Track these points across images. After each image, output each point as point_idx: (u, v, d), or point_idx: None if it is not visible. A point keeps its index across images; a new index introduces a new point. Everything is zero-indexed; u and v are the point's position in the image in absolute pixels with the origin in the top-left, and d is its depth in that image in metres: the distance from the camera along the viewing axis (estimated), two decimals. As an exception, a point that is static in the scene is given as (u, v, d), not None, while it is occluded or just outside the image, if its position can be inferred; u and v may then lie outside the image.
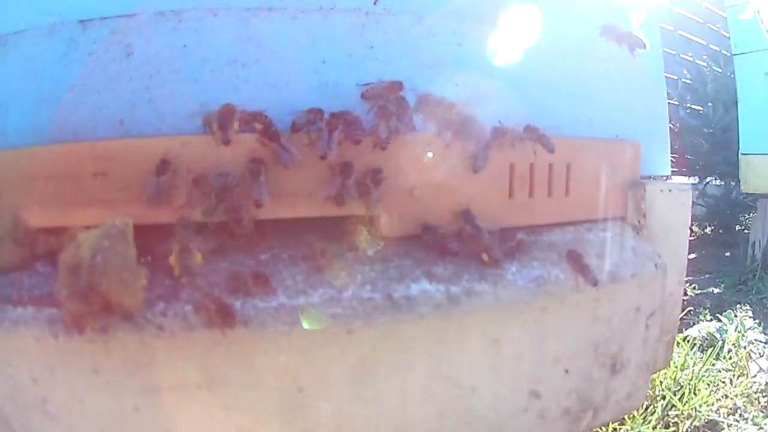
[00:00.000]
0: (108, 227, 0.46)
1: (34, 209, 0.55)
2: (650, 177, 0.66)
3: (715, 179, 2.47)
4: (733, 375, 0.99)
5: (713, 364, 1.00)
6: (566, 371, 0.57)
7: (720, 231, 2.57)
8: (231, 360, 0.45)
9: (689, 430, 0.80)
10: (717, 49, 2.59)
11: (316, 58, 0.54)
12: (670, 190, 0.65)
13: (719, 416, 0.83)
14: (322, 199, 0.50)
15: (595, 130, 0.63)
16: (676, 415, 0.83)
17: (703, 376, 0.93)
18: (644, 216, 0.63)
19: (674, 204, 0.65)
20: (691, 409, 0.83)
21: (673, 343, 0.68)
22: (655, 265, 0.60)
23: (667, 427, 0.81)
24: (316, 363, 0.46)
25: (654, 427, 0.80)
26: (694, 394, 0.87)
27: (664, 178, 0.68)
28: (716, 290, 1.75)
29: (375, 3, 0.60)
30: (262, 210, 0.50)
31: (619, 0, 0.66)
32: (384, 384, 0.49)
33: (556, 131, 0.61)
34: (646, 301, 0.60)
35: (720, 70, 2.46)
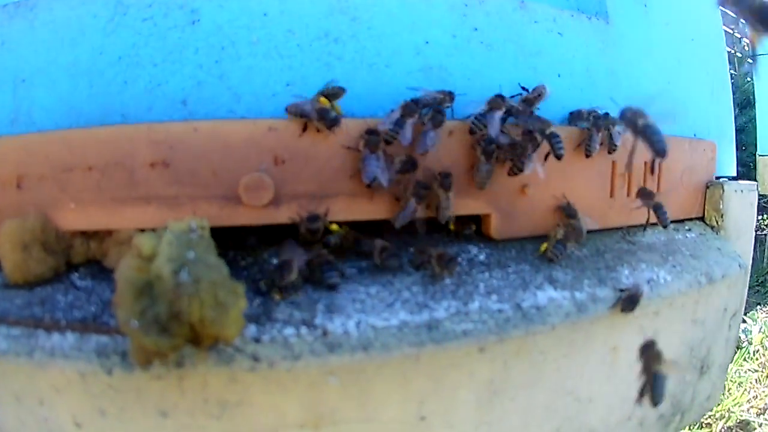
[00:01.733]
0: (184, 230, 0.31)
1: (70, 208, 0.38)
2: (720, 178, 0.59)
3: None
4: (761, 375, 0.95)
5: (741, 366, 0.95)
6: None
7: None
8: (344, 391, 0.32)
9: (722, 430, 0.74)
10: (731, 50, 2.50)
11: (418, 37, 0.41)
12: (742, 191, 0.58)
13: (751, 416, 0.78)
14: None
15: (677, 128, 0.55)
16: (710, 416, 0.76)
17: (734, 377, 0.88)
18: (722, 216, 0.55)
19: (745, 204, 0.58)
20: (725, 410, 0.77)
21: (738, 332, 0.60)
22: (739, 265, 0.52)
23: (701, 427, 0.74)
24: (444, 387, 0.34)
25: (689, 428, 0.73)
26: (726, 395, 0.81)
27: (731, 178, 0.60)
28: (733, 291, 1.63)
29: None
30: (354, 207, 0.37)
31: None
32: (509, 405, 0.37)
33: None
34: (732, 301, 0.52)
35: (734, 72, 2.37)
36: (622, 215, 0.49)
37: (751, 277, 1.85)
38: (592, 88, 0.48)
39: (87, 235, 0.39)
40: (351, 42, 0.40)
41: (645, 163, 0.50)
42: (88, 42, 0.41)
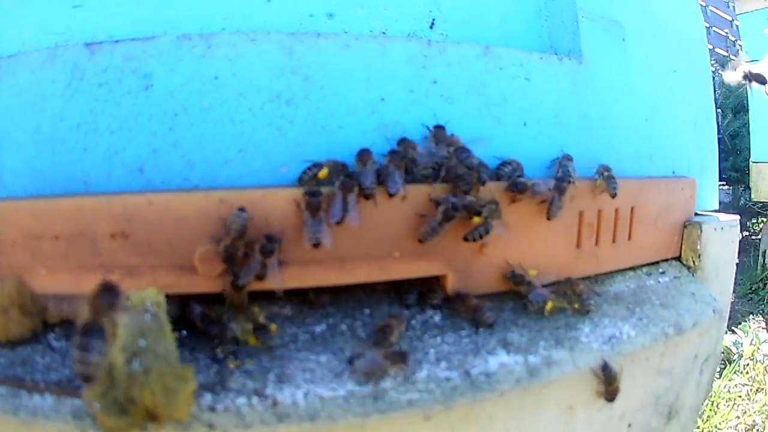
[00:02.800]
0: (139, 314, 0.33)
1: (42, 273, 0.40)
2: (701, 213, 0.57)
3: (724, 185, 2.33)
4: (751, 389, 0.94)
5: (731, 380, 0.94)
6: (629, 425, 0.48)
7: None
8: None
9: (710, 449, 0.74)
10: (725, 53, 2.41)
11: (374, 95, 0.40)
12: (722, 228, 0.56)
13: (739, 433, 0.78)
14: (391, 259, 0.38)
15: (654, 167, 0.53)
16: (697, 435, 0.77)
17: (722, 393, 0.88)
18: (699, 257, 0.54)
19: (725, 241, 0.56)
20: (712, 426, 0.78)
21: (714, 374, 0.60)
22: (713, 311, 0.51)
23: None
24: (389, 457, 0.35)
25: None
26: (714, 411, 0.81)
27: (712, 212, 0.58)
28: (728, 299, 1.60)
29: (431, 27, 0.47)
30: (319, 275, 0.38)
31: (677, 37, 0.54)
32: (458, 467, 0.38)
33: (621, 170, 0.51)
34: (704, 347, 0.51)
35: None
36: (590, 264, 0.48)
37: (743, 285, 1.79)
38: (560, 134, 0.47)
39: (60, 297, 0.42)
40: (303, 103, 0.40)
41: (616, 209, 0.48)
42: (49, 107, 0.42)
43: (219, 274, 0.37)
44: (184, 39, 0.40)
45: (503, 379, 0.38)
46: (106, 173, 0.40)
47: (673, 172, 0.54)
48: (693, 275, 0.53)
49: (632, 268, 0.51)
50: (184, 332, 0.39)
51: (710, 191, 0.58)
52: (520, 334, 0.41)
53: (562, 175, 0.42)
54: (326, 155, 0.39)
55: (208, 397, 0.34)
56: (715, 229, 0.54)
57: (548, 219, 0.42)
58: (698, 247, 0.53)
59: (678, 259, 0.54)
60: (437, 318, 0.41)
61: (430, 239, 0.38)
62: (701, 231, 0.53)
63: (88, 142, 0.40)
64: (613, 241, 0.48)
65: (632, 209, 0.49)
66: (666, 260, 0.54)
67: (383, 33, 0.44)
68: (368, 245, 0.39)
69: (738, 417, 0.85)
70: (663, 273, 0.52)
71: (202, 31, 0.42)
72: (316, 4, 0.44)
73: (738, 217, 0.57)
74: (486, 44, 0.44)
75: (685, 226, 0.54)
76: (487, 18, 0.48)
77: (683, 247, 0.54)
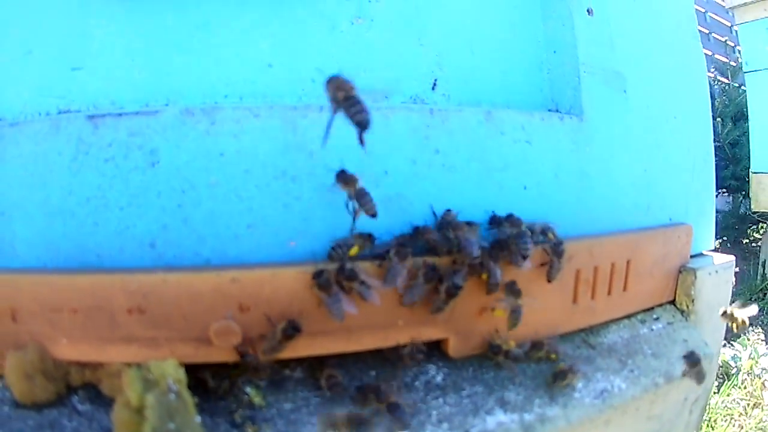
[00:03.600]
0: (164, 394, 0.36)
1: (62, 342, 0.43)
2: (696, 255, 0.59)
3: (724, 193, 2.30)
4: (748, 404, 0.97)
5: (729, 395, 0.97)
6: (618, 463, 0.53)
7: (728, 246, 2.34)
8: None
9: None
10: (724, 60, 2.37)
11: (377, 168, 0.42)
12: (717, 272, 0.58)
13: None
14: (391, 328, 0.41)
15: (652, 216, 0.55)
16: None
17: (720, 408, 0.91)
18: (693, 301, 0.57)
19: (720, 284, 0.59)
20: None
21: (704, 410, 0.64)
22: (704, 355, 0.54)
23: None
24: None
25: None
26: (711, 427, 0.86)
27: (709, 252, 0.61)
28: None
29: (433, 88, 0.47)
30: (328, 344, 0.41)
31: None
32: None
33: (618, 223, 0.53)
34: (693, 391, 0.55)
35: (728, 81, 2.26)
36: (586, 317, 0.51)
37: (743, 295, 1.79)
38: (559, 193, 0.48)
39: (81, 363, 0.44)
40: (308, 180, 0.41)
41: (612, 264, 0.51)
42: (56, 180, 0.43)
43: (234, 346, 0.40)
44: (188, 114, 0.41)
45: (506, 438, 0.41)
46: (119, 247, 0.42)
47: (670, 219, 0.56)
48: (686, 319, 0.56)
49: (627, 316, 0.54)
50: (196, 398, 0.42)
51: (706, 233, 0.61)
52: (517, 392, 0.44)
53: (557, 240, 0.44)
54: (332, 229, 0.41)
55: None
56: (709, 273, 0.57)
57: (549, 281, 0.45)
58: (692, 292, 0.56)
59: (672, 302, 0.57)
60: (439, 378, 0.44)
61: (440, 312, 0.41)
62: (695, 277, 0.55)
63: (98, 217, 0.42)
64: (609, 294, 0.51)
65: (628, 262, 0.51)
66: (661, 305, 0.57)
67: (385, 97, 0.45)
68: (374, 316, 0.41)
69: None
70: (657, 319, 0.55)
71: (204, 98, 0.43)
72: (318, 69, 0.44)
73: (733, 258, 0.59)
74: (488, 108, 0.45)
75: (680, 272, 0.56)
76: (489, 74, 0.48)
77: (678, 291, 0.57)
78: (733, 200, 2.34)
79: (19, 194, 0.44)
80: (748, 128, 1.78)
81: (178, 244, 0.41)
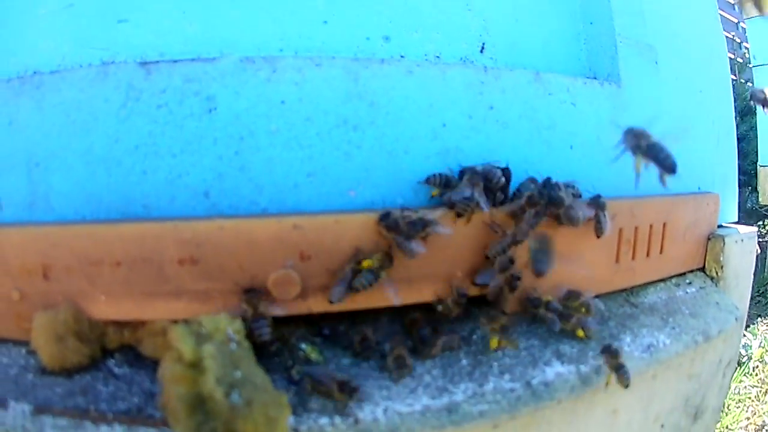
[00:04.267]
0: (224, 343, 0.34)
1: (101, 300, 0.40)
2: (722, 225, 0.63)
3: None
4: (760, 391, 1.01)
5: (741, 382, 1.01)
6: (662, 426, 0.54)
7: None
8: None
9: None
10: (731, 56, 2.47)
11: (436, 121, 0.43)
12: (743, 240, 0.62)
13: (749, 434, 0.83)
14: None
15: (683, 185, 0.58)
16: (708, 434, 0.82)
17: (732, 394, 0.94)
18: (722, 267, 0.60)
19: (745, 253, 0.62)
20: (723, 427, 0.84)
21: (733, 377, 0.67)
22: (735, 319, 0.57)
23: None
24: (460, 467, 0.38)
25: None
26: (725, 413, 0.88)
27: (732, 224, 0.64)
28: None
29: (482, 51, 0.49)
30: (389, 295, 0.40)
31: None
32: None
33: (654, 189, 0.55)
34: (727, 352, 0.57)
35: (735, 77, 2.34)
36: (626, 278, 0.53)
37: (751, 288, 1.88)
38: (603, 155, 0.51)
39: (120, 323, 0.42)
40: (370, 129, 0.41)
41: (650, 225, 0.53)
42: (101, 128, 0.41)
43: (293, 298, 0.39)
44: (248, 62, 0.41)
45: (560, 388, 0.42)
46: (169, 197, 0.40)
47: (699, 188, 0.60)
48: (716, 285, 0.59)
49: (662, 280, 0.56)
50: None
51: (731, 204, 0.65)
52: (571, 345, 0.45)
53: (595, 194, 0.46)
54: (392, 179, 0.42)
55: (290, 419, 0.36)
56: (736, 242, 0.60)
57: (598, 237, 0.46)
58: (721, 258, 0.58)
59: (702, 269, 0.60)
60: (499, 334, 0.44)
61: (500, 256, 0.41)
62: (724, 243, 0.58)
63: (147, 165, 0.41)
64: (647, 255, 0.53)
65: (664, 225, 0.54)
66: (691, 271, 0.59)
67: (437, 57, 0.46)
68: (434, 266, 0.41)
69: (748, 418, 0.92)
70: (690, 284, 0.58)
71: (258, 52, 0.43)
72: (373, 28, 0.45)
73: (755, 229, 0.63)
74: (535, 70, 0.47)
75: (709, 239, 0.59)
76: (532, 42, 0.51)
77: (707, 258, 0.60)
78: (740, 195, 2.40)
79: (58, 144, 0.42)
80: (755, 123, 1.83)
81: (235, 193, 0.40)
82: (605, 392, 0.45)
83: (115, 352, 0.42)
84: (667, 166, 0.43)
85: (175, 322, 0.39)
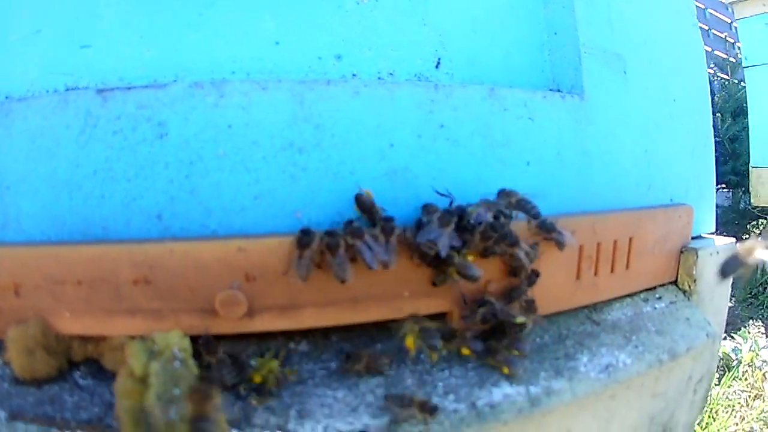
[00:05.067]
0: (169, 361, 0.36)
1: (65, 316, 0.43)
2: (697, 237, 0.61)
3: (724, 188, 2.32)
4: (749, 396, 0.98)
5: (730, 386, 0.98)
6: (624, 443, 0.54)
7: (728, 241, 2.38)
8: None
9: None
10: (724, 56, 2.40)
11: (383, 141, 0.43)
12: (718, 252, 0.60)
13: (738, 440, 0.82)
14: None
15: (653, 196, 0.56)
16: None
17: (721, 399, 0.92)
18: (695, 281, 0.58)
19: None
20: None
21: (709, 391, 0.65)
22: (707, 335, 0.55)
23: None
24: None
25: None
26: (713, 418, 0.86)
27: (710, 234, 0.62)
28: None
29: (437, 66, 0.49)
30: (335, 315, 0.41)
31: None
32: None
33: (619, 202, 0.54)
34: (698, 369, 0.56)
35: (728, 77, 2.29)
36: (589, 294, 0.52)
37: (743, 289, 1.82)
38: (562, 171, 0.50)
39: (84, 338, 0.45)
40: (315, 151, 0.42)
41: (615, 241, 0.52)
42: (63, 154, 0.44)
43: (240, 317, 0.40)
44: (197, 87, 0.42)
45: (507, 409, 0.42)
46: (125, 219, 0.43)
47: (671, 200, 0.58)
48: (688, 299, 0.57)
49: (630, 295, 0.55)
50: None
51: (707, 215, 0.62)
52: (522, 364, 0.45)
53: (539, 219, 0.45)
54: (338, 201, 0.42)
55: (233, 434, 0.38)
56: (710, 254, 0.58)
57: (560, 249, 0.45)
58: (694, 272, 0.57)
59: (674, 282, 0.58)
60: (444, 351, 0.45)
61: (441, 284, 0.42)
62: (697, 257, 0.57)
63: (105, 189, 0.43)
64: (612, 271, 0.52)
65: (630, 239, 0.53)
66: (663, 285, 0.58)
67: (391, 74, 0.46)
68: (380, 286, 0.42)
69: (736, 424, 0.90)
70: (659, 298, 0.56)
71: (212, 74, 0.44)
72: (324, 47, 0.46)
73: (734, 240, 0.61)
74: (491, 85, 0.46)
75: (681, 252, 0.57)
76: (491, 55, 0.50)
77: (679, 272, 0.58)
78: (732, 195, 2.36)
79: (25, 168, 0.45)
80: (747, 124, 1.81)
81: (185, 215, 0.42)
82: (557, 413, 0.45)
83: (80, 364, 0.45)
84: (533, 215, 0.45)
85: (133, 337, 0.42)
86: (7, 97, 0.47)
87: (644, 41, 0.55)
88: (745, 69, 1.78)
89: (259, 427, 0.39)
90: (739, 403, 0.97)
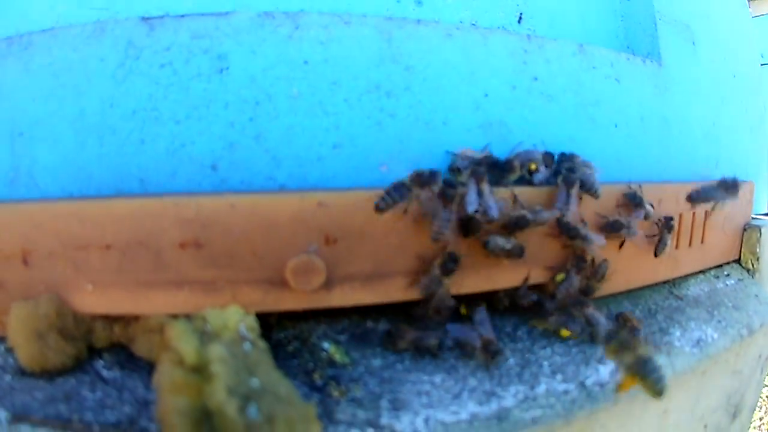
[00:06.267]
0: (233, 343, 0.25)
1: (87, 290, 0.31)
2: (755, 216, 0.56)
3: None
4: None
5: None
6: (705, 426, 0.45)
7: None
8: None
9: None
10: None
11: (477, 90, 0.35)
12: (776, 231, 0.55)
13: None
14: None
15: (720, 172, 0.50)
16: None
17: None
18: (758, 259, 0.52)
19: (778, 245, 0.55)
20: None
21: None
22: (776, 312, 0.49)
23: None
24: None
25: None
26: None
27: (764, 215, 0.57)
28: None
29: (519, 21, 0.41)
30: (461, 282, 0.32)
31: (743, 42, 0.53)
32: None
33: (694, 175, 0.48)
34: (766, 347, 0.49)
35: None
36: (670, 268, 0.45)
37: None
38: (645, 136, 0.43)
39: (110, 318, 0.33)
40: (405, 96, 0.33)
41: (693, 213, 0.45)
42: (95, 92, 0.33)
43: (315, 289, 0.30)
44: (267, 17, 0.32)
45: (615, 388, 0.33)
46: (170, 170, 0.32)
47: (735, 177, 0.52)
48: (752, 277, 0.51)
49: (702, 272, 0.48)
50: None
51: (763, 194, 0.57)
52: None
53: (666, 216, 0.38)
54: (429, 153, 0.33)
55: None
56: (770, 232, 0.53)
57: (655, 256, 0.38)
58: (757, 249, 0.51)
59: (737, 261, 0.52)
60: (540, 330, 0.36)
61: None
62: (760, 234, 0.51)
63: (146, 133, 0.32)
64: (690, 245, 0.45)
65: (706, 213, 0.46)
66: (728, 263, 0.52)
67: (473, 24, 0.39)
68: (474, 254, 0.33)
69: (761, 418, 0.84)
70: (728, 275, 0.50)
71: (287, 10, 0.35)
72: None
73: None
74: (579, 42, 0.39)
75: (744, 230, 0.52)
76: (570, 15, 0.44)
77: (743, 249, 0.52)
78: None
79: (45, 110, 0.33)
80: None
81: (247, 166, 0.32)
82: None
83: (103, 352, 0.33)
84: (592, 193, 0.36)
85: (175, 317, 0.31)
86: (26, 33, 0.36)
87: (707, 14, 0.50)
88: (762, 66, 1.62)
89: (345, 424, 0.28)
90: (762, 398, 0.91)
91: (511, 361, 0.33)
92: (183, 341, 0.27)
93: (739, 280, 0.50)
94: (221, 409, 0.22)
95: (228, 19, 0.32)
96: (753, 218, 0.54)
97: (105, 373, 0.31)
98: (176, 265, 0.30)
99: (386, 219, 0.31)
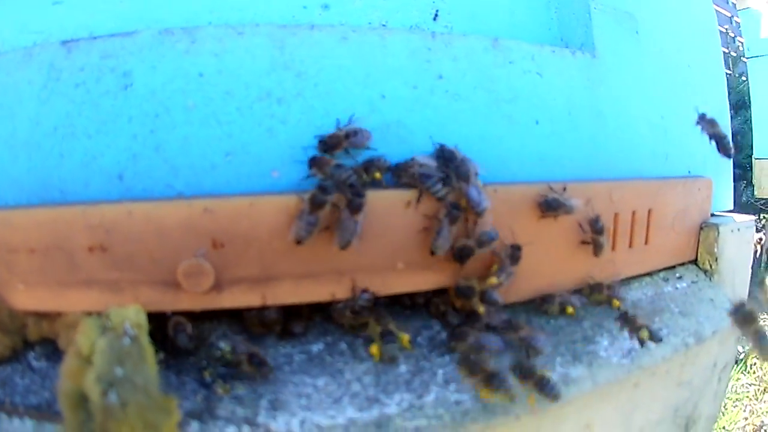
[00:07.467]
0: (118, 338, 0.25)
1: (19, 289, 0.33)
2: (716, 214, 0.49)
3: None
4: (758, 389, 0.83)
5: (738, 379, 0.84)
6: (647, 439, 0.41)
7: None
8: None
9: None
10: (725, 50, 2.23)
11: (373, 92, 0.32)
12: (739, 230, 0.47)
13: (747, 434, 0.69)
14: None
15: (670, 167, 0.44)
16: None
17: (730, 393, 0.78)
18: (716, 260, 0.46)
19: (741, 243, 0.48)
20: (720, 428, 0.69)
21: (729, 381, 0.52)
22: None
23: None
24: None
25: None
26: (722, 413, 0.73)
27: (726, 212, 0.50)
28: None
29: (435, 18, 0.38)
30: (315, 290, 0.30)
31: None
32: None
33: (637, 170, 0.42)
34: (722, 355, 0.43)
35: (729, 71, 2.11)
36: (607, 271, 0.40)
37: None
38: (574, 132, 0.38)
39: (39, 314, 0.34)
40: (296, 102, 0.32)
41: (633, 212, 0.40)
42: (24, 111, 0.34)
43: (205, 291, 0.30)
44: (166, 34, 0.32)
45: (518, 401, 0.30)
46: (84, 180, 0.32)
47: (689, 172, 0.46)
48: (710, 279, 0.45)
49: (649, 274, 0.43)
50: (162, 354, 0.31)
51: (724, 191, 0.50)
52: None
53: (592, 217, 0.34)
54: (322, 158, 0.32)
55: (194, 426, 0.27)
56: (731, 231, 0.46)
57: (595, 256, 0.34)
58: (715, 250, 0.44)
59: (694, 262, 0.46)
60: (444, 335, 0.33)
61: (442, 250, 0.30)
62: (718, 233, 0.44)
63: (64, 147, 0.33)
64: (630, 246, 0.40)
65: (649, 212, 0.41)
66: (682, 264, 0.45)
67: (383, 26, 0.36)
68: (369, 257, 0.31)
69: (746, 418, 0.75)
70: (680, 278, 0.44)
71: (184, 25, 0.34)
72: (310, -5, 0.35)
73: (754, 217, 0.48)
74: (494, 37, 0.35)
75: (701, 228, 0.45)
76: (494, 9, 0.40)
77: (699, 250, 0.46)
78: (736, 189, 2.12)
79: (-14, 129, 0.36)
80: (749, 117, 1.60)
81: (149, 175, 0.32)
82: (574, 404, 0.33)
83: (36, 344, 0.34)
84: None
85: (89, 314, 0.32)
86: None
87: (656, 2, 0.44)
88: (747, 59, 1.56)
89: (223, 420, 0.27)
90: (748, 397, 0.82)
91: (402, 368, 0.31)
92: (83, 335, 0.28)
93: (692, 282, 0.44)
94: (89, 393, 0.23)
95: (133, 38, 0.32)
96: (712, 216, 0.47)
97: (34, 363, 0.33)
98: (86, 266, 0.31)
99: (270, 224, 0.30)
